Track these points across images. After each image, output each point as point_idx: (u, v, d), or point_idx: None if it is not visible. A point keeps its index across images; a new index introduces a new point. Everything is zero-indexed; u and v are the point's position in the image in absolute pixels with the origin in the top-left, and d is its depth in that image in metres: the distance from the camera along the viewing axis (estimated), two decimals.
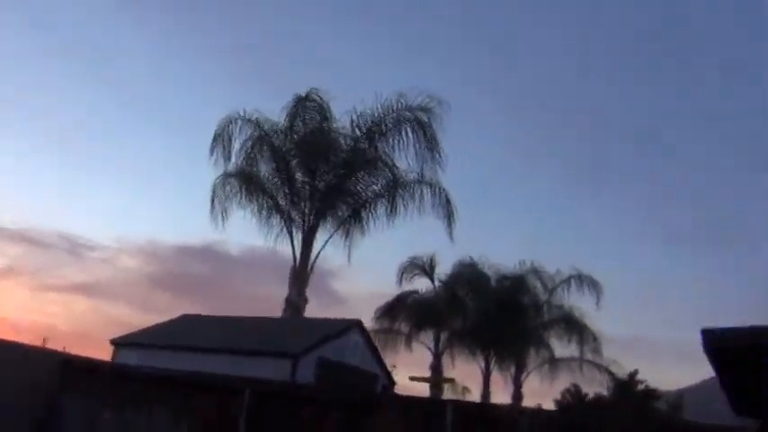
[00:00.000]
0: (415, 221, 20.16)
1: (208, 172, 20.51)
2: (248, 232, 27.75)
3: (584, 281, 26.57)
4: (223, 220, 20.43)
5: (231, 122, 20.40)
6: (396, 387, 21.30)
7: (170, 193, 49.96)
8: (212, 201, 20.35)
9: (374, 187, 20.57)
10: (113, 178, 51.07)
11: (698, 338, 8.76)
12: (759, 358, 8.40)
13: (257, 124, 20.52)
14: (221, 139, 20.32)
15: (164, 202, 51.32)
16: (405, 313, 26.83)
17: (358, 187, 20.69)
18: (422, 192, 19.92)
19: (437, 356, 26.42)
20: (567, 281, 26.93)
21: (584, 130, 48.89)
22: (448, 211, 19.90)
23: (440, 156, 19.45)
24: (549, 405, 27.14)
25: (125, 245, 52.84)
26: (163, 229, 54.56)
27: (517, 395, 26.53)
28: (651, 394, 27.02)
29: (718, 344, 8.44)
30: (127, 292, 48.40)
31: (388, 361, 20.22)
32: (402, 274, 27.19)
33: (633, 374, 27.39)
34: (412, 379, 25.99)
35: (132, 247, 50.19)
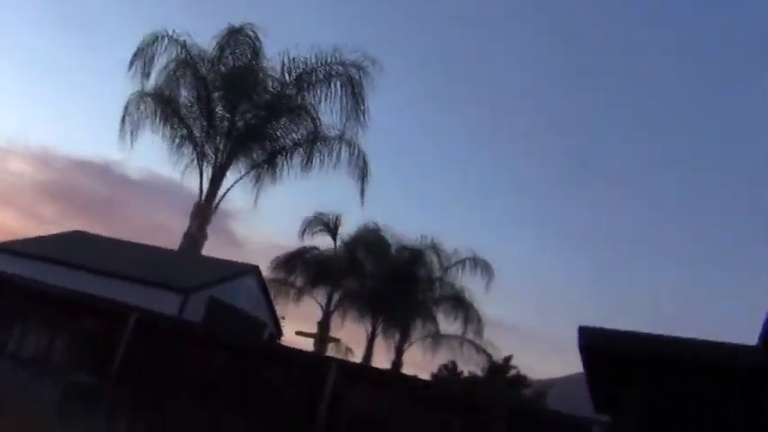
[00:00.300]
0: (328, 177, 20.21)
1: (120, 86, 19.52)
2: (154, 158, 26.77)
3: (478, 263, 27.43)
4: (131, 140, 19.56)
5: (157, 39, 19.40)
6: (282, 338, 21.40)
7: (72, 100, 46.63)
8: (123, 118, 19.41)
9: (294, 136, 20.30)
10: (10, 74, 47.09)
11: (575, 334, 9.32)
12: (626, 361, 9.04)
13: (184, 47, 19.63)
14: (143, 55, 19.30)
15: (64, 109, 47.94)
16: (302, 267, 26.82)
17: (277, 133, 20.32)
18: (340, 149, 19.90)
19: (327, 314, 26.67)
20: (463, 261, 27.74)
21: (516, 123, 49.77)
22: (363, 173, 20.04)
23: (364, 116, 19.43)
24: (425, 376, 28.24)
25: (16, 147, 49.28)
26: (61, 137, 51.00)
27: (397, 362, 27.30)
28: (521, 380, 28.66)
29: (592, 342, 9.01)
30: (12, 198, 45.28)
31: (278, 311, 20.26)
32: (306, 227, 27.09)
33: (507, 359, 28.89)
34: (299, 333, 26.17)
35: (24, 151, 46.81)
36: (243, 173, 20.16)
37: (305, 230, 26.99)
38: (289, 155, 20.16)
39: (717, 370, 8.45)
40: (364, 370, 12.79)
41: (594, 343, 8.94)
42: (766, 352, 8.62)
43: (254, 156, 20.15)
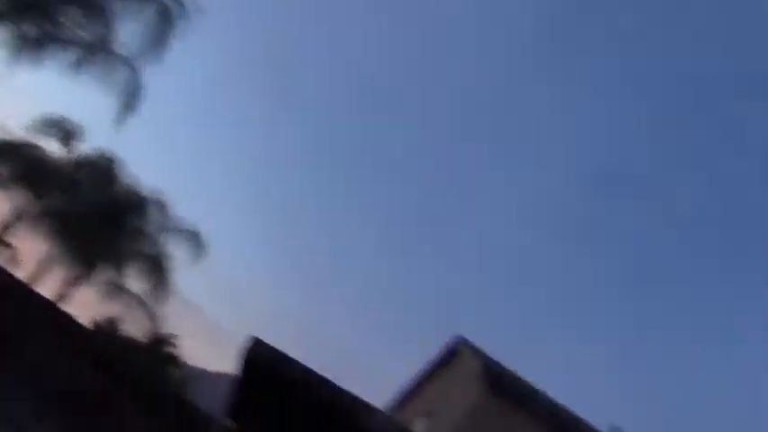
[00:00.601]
0: (93, 89, 19.43)
1: None
2: None
3: (196, 238, 27.04)
4: None
5: None
6: None
7: None
8: None
9: (81, 33, 19.05)
10: None
11: (247, 338, 10.33)
12: (279, 382, 10.33)
13: None
14: None
15: None
16: (14, 159, 24.28)
17: (64, 20, 18.88)
18: (122, 70, 19.47)
19: (16, 218, 24.37)
20: (184, 231, 27.23)
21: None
22: (130, 102, 19.86)
23: (163, 53, 19.19)
24: (86, 320, 27.08)
25: None
26: None
27: (64, 295, 25.72)
28: (173, 360, 29.00)
29: (254, 354, 10.11)
30: None
31: None
32: (41, 123, 24.67)
33: (169, 337, 29.07)
34: None
35: None
36: (2, 40, 18.25)
37: (39, 126, 24.63)
38: (65, 48, 18.86)
39: (340, 414, 10.06)
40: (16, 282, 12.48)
41: (256, 355, 10.01)
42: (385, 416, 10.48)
43: (26, 30, 18.39)
